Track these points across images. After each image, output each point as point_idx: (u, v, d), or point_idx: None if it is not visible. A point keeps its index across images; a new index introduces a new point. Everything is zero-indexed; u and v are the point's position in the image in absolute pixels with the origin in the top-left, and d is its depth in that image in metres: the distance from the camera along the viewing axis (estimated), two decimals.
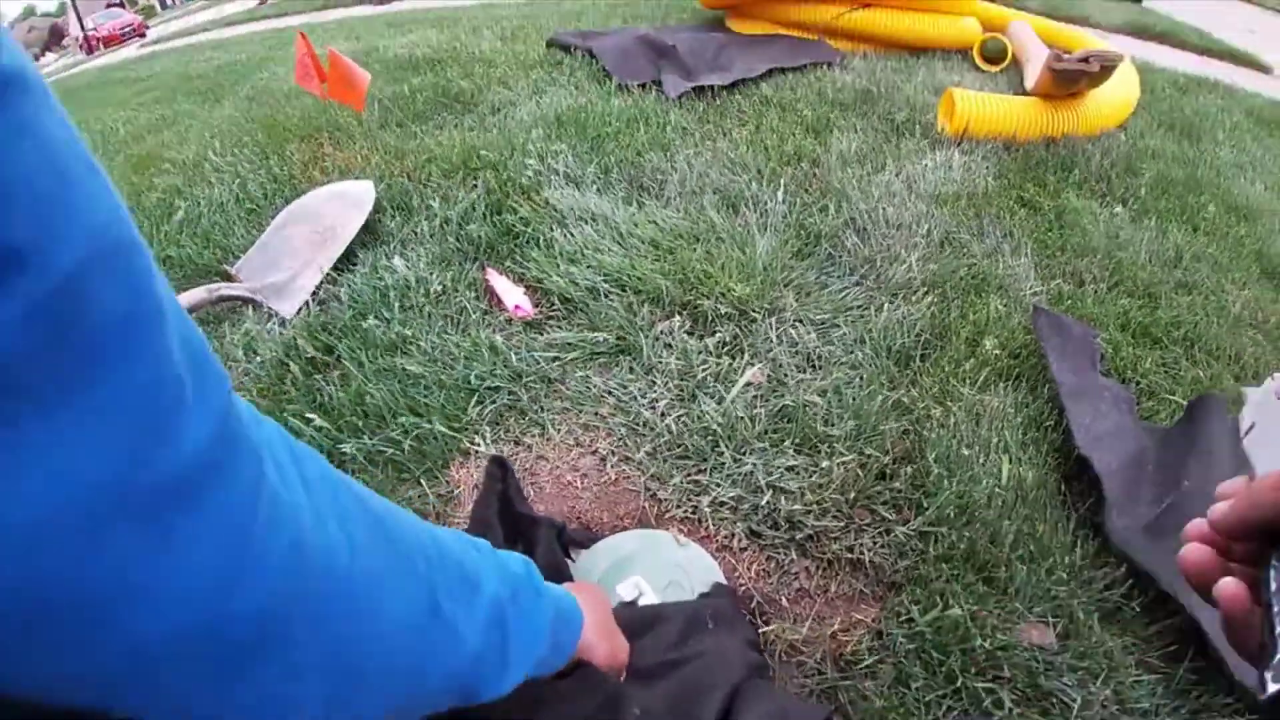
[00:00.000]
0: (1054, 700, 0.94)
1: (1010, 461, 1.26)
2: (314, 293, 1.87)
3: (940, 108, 2.66)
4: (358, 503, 0.45)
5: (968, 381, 1.44)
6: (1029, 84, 2.74)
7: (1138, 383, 1.54)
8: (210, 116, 4.23)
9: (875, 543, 1.14)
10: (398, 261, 1.81)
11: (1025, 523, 1.14)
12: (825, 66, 3.30)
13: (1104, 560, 1.12)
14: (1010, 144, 2.46)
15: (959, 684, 0.94)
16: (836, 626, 1.04)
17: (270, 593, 0.34)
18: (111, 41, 29.24)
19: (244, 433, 0.35)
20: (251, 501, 0.34)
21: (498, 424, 1.37)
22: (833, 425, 1.29)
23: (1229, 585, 0.47)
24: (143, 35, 27.58)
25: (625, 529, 1.19)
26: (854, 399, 1.34)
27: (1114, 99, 2.66)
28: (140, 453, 0.28)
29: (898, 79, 3.08)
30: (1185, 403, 1.43)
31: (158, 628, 0.30)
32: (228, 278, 2.07)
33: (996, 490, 1.20)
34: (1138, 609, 1.06)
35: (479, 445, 1.32)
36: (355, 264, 1.91)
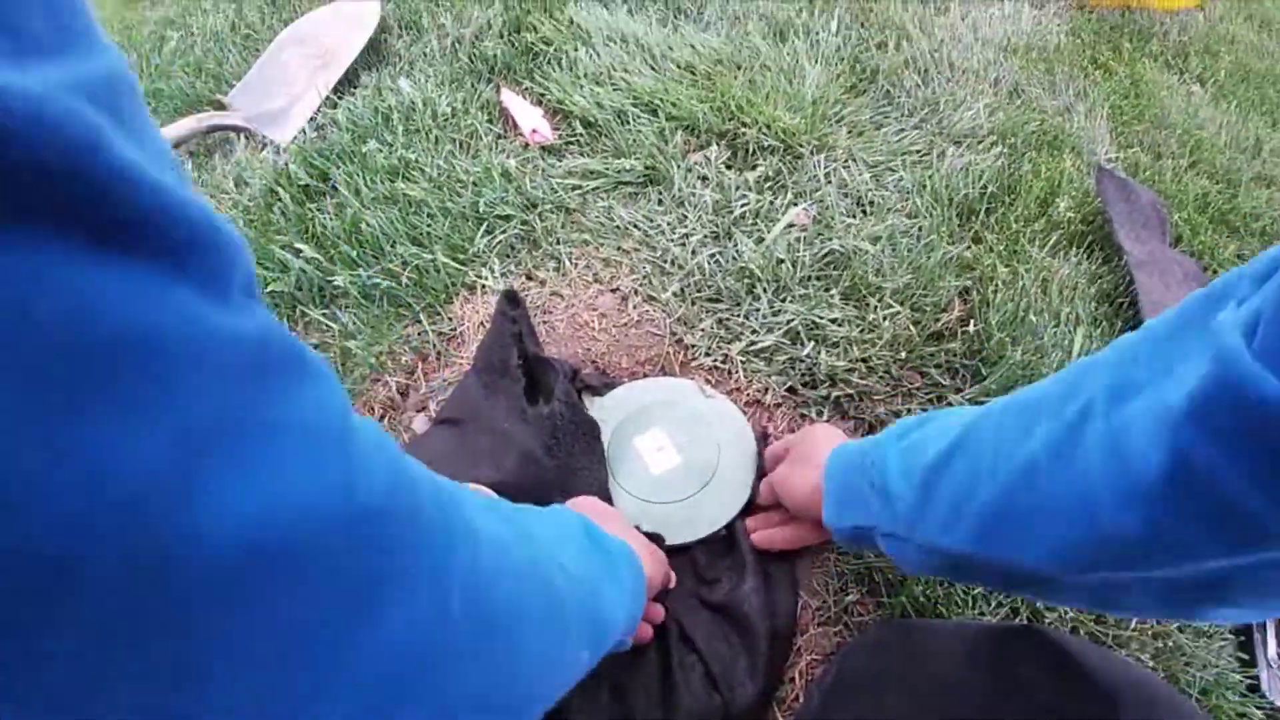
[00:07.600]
0: None
1: (1084, 335, 1.12)
2: (311, 118, 1.69)
3: None
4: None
5: (1038, 243, 1.27)
6: None
7: (1215, 271, 1.38)
8: None
9: (924, 409, 1.02)
10: (404, 83, 1.62)
11: None
12: None
13: None
14: (1084, 4, 2.23)
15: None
16: None
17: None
18: None
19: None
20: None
21: (508, 256, 1.22)
22: (885, 276, 1.14)
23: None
24: None
25: (646, 376, 1.07)
26: (910, 250, 1.19)
27: None
28: None
29: None
30: None
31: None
32: (220, 107, 1.89)
33: (1066, 364, 1.06)
34: None
35: (486, 279, 1.18)
36: (357, 87, 1.72)
